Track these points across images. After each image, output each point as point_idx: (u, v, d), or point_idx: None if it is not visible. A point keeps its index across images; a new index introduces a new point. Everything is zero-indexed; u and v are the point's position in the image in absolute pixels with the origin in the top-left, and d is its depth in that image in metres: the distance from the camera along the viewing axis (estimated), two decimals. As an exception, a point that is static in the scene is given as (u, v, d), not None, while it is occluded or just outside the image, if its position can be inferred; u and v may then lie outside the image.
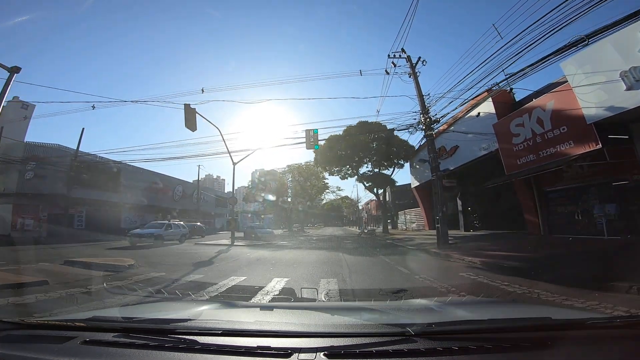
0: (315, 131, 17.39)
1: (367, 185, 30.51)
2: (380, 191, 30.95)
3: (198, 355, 1.16)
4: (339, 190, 47.27)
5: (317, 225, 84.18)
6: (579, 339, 1.21)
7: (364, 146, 27.73)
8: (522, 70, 10.32)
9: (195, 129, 14.11)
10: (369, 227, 43.55)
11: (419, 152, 27.00)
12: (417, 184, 27.96)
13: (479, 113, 15.61)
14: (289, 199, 44.27)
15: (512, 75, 10.69)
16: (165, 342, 1.23)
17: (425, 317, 1.75)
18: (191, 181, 44.69)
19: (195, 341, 1.22)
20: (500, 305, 2.48)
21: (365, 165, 31.39)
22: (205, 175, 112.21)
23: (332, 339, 1.21)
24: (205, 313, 1.83)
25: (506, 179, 14.15)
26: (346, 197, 62.64)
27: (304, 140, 16.74)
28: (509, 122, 13.89)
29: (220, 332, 1.29)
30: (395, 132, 15.30)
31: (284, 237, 26.19)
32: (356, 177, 30.96)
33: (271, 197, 42.01)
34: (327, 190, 45.42)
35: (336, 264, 8.62)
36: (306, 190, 41.80)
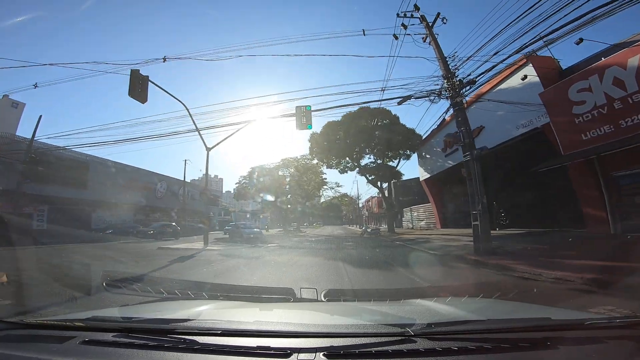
0: (308, 107, 14.07)
1: (369, 178, 27.01)
2: (385, 185, 27.46)
3: (197, 355, 1.17)
4: (338, 186, 43.67)
5: (316, 225, 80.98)
6: (578, 340, 1.21)
7: (366, 134, 24.24)
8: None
9: (145, 101, 11.34)
10: (372, 225, 40.07)
11: (428, 140, 23.57)
12: (428, 175, 24.48)
13: (525, 76, 12.08)
14: (289, 197, 40.74)
15: (576, 20, 7.19)
16: (164, 342, 1.24)
17: (425, 317, 1.66)
18: (192, 179, 41.43)
19: (195, 341, 1.23)
20: (499, 305, 2.32)
21: (367, 156, 27.97)
22: (203, 175, 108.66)
23: (332, 339, 1.21)
24: (204, 313, 1.84)
25: (563, 162, 10.67)
26: (345, 195, 58.89)
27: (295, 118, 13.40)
28: (566, 88, 10.44)
29: (219, 332, 1.29)
30: (413, 99, 11.43)
31: (277, 237, 22.69)
32: (357, 169, 27.47)
33: (265, 194, 38.45)
34: (325, 187, 41.84)
35: (335, 281, 5.58)
36: (302, 187, 38.25)
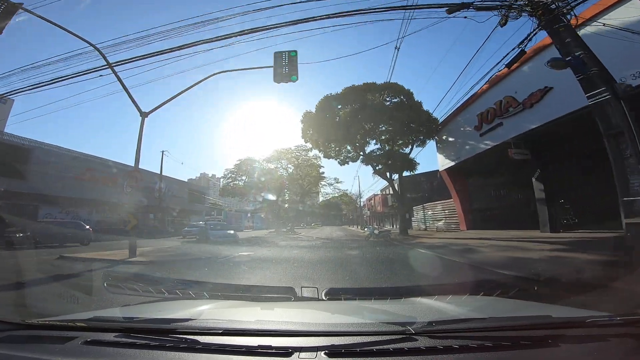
0: (293, 54, 10.03)
1: (377, 168, 21.99)
2: (395, 177, 22.44)
3: (199, 354, 1.16)
4: (338, 182, 38.48)
5: (314, 225, 76.23)
6: (579, 338, 1.20)
7: (373, 114, 19.25)
8: None
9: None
10: (378, 226, 35.05)
11: (453, 119, 18.68)
12: (450, 164, 19.50)
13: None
14: (283, 194, 35.76)
15: None
16: (166, 342, 1.24)
17: (426, 315, 1.66)
18: (189, 179, 36.29)
19: (196, 341, 1.23)
20: (500, 303, 2.24)
21: (374, 142, 22.97)
22: (201, 174, 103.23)
23: (333, 337, 1.21)
24: (206, 312, 1.83)
25: None
26: (344, 195, 53.68)
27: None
28: None
29: (221, 331, 1.29)
30: (471, 11, 6.14)
31: (261, 242, 17.69)
32: (361, 157, 22.49)
33: (254, 191, 33.47)
34: (323, 183, 36.81)
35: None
36: (297, 181, 33.28)
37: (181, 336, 1.26)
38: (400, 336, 1.18)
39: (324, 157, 24.32)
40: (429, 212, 26.16)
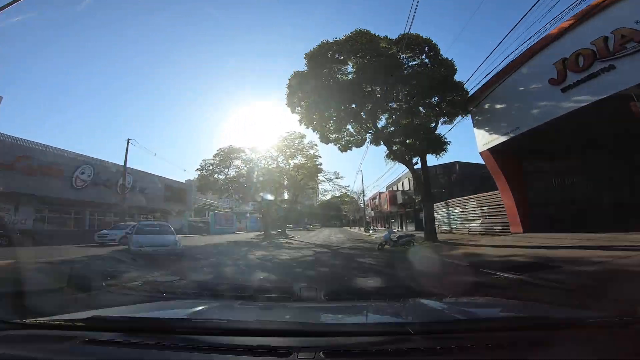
0: None
1: (394, 148, 16.24)
2: (415, 161, 16.61)
3: (198, 354, 1.16)
4: (338, 178, 32.30)
5: (313, 226, 70.58)
6: (577, 338, 1.20)
7: (389, 70, 13.45)
8: None
9: None
10: (396, 229, 29.16)
11: (508, 76, 12.99)
12: (500, 140, 13.79)
13: None
14: (275, 191, 30.04)
15: None
16: (165, 342, 1.23)
17: (424, 316, 1.73)
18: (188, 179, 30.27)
19: (196, 340, 1.22)
20: (499, 304, 2.27)
21: (386, 116, 17.34)
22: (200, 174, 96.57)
23: (332, 338, 1.22)
24: (205, 312, 1.84)
25: None
26: (345, 195, 47.58)
27: None
28: None
29: (220, 331, 1.29)
30: None
31: (218, 254, 11.94)
32: (369, 136, 16.82)
33: (234, 186, 27.73)
34: (321, 177, 30.92)
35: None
36: (289, 173, 27.51)
37: (180, 336, 1.26)
38: (399, 336, 1.18)
39: (321, 139, 18.54)
40: (456, 210, 20.36)
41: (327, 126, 17.71)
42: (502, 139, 13.59)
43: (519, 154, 14.42)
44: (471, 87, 14.55)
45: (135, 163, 67.37)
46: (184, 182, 42.34)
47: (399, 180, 36.86)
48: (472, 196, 18.38)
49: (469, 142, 75.76)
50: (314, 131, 18.24)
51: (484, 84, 14.06)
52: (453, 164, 31.11)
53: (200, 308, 1.95)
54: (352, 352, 1.12)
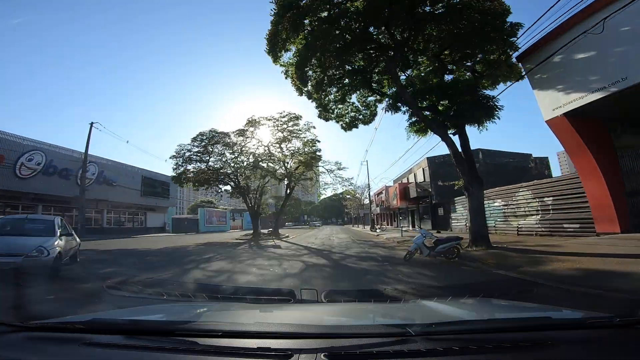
0: None
1: (428, 115, 11.56)
2: (452, 133, 11.87)
3: (198, 356, 1.14)
4: (340, 168, 27.14)
5: (313, 224, 66.33)
6: (579, 339, 1.20)
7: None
8: None
9: None
10: (405, 227, 24.35)
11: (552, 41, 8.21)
12: (583, 100, 9.11)
13: None
14: (265, 181, 25.54)
15: None
16: (165, 344, 1.21)
17: (426, 317, 1.71)
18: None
19: (196, 343, 1.20)
20: (500, 305, 2.18)
21: (408, 72, 12.88)
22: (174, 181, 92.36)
23: (332, 340, 1.20)
24: (205, 315, 1.86)
25: None
26: (347, 192, 42.75)
27: None
28: None
29: (220, 333, 1.27)
30: None
31: (147, 266, 7.52)
32: (388, 99, 12.27)
33: (215, 176, 23.23)
34: (320, 167, 26.23)
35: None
36: (281, 160, 22.94)
37: (180, 338, 1.24)
38: (400, 338, 1.16)
39: (320, 114, 13.94)
40: (495, 204, 15.74)
41: (324, 99, 13.24)
42: (593, 96, 8.94)
43: (610, 122, 9.81)
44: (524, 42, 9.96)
45: (117, 157, 62.84)
46: (168, 175, 38.09)
47: (410, 171, 32.16)
48: (523, 184, 13.76)
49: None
50: (309, 99, 13.64)
51: (552, 30, 9.39)
52: (476, 151, 26.44)
53: (200, 310, 2.01)
54: (353, 354, 1.10)
